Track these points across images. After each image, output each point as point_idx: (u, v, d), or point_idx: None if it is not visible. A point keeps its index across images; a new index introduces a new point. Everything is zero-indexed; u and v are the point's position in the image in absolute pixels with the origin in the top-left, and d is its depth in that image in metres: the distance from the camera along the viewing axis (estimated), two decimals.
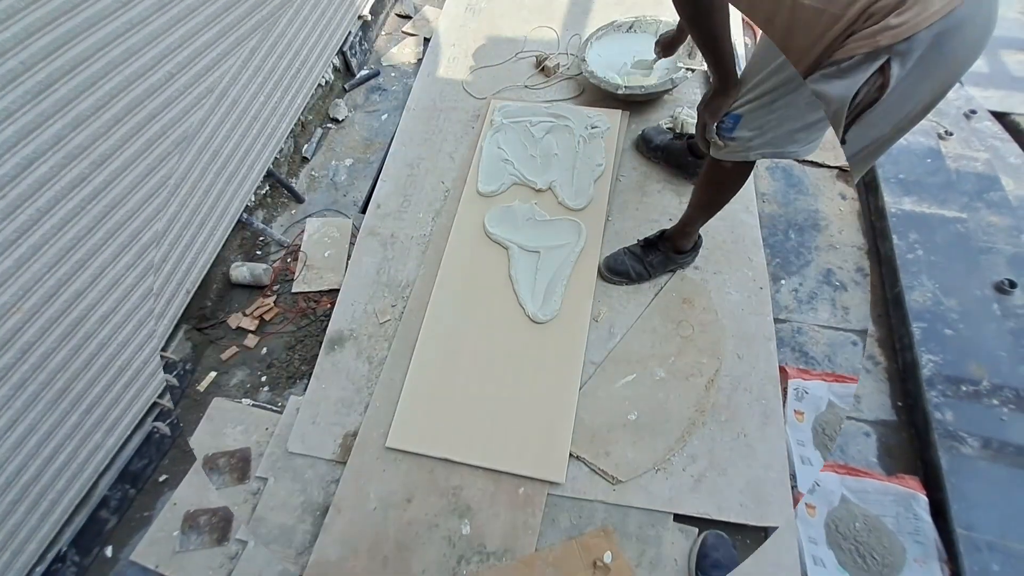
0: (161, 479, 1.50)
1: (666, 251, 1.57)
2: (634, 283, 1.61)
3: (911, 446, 1.43)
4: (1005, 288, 1.60)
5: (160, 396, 1.48)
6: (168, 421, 1.52)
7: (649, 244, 1.59)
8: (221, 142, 1.62)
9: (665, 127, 1.89)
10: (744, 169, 1.26)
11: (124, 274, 1.35)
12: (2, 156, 1.06)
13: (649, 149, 1.87)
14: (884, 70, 0.87)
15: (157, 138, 1.39)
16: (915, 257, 1.68)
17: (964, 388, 1.43)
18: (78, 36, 1.17)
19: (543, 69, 2.13)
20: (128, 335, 1.37)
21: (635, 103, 1.98)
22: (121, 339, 1.35)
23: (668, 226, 1.73)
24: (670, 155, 1.83)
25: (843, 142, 1.00)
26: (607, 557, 1.25)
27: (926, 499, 1.29)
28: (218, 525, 1.39)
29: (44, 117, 1.12)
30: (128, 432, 1.42)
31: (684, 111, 1.86)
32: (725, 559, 1.21)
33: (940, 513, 1.28)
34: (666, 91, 1.90)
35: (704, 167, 1.35)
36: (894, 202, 1.82)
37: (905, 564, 1.24)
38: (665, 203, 1.77)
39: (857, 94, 0.91)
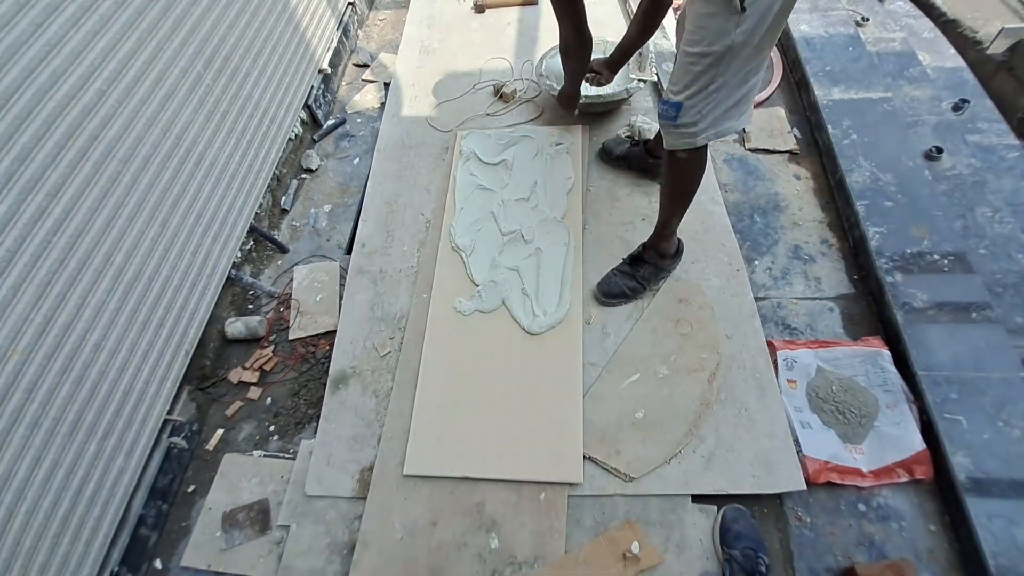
0: (190, 490, 1.57)
1: (653, 260, 1.62)
2: (632, 300, 1.65)
3: (870, 312, 1.62)
4: (933, 155, 1.81)
5: (169, 412, 1.54)
6: (183, 435, 1.58)
7: (635, 259, 1.63)
8: (204, 204, 1.67)
9: (624, 135, 2.01)
10: (699, 156, 1.33)
11: (118, 308, 1.39)
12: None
13: (612, 160, 1.97)
14: None
15: (141, 203, 1.44)
16: (850, 142, 1.87)
17: (909, 251, 1.61)
18: (55, 122, 1.22)
19: (501, 96, 2.24)
20: (125, 358, 1.40)
21: (593, 114, 2.09)
22: (119, 363, 1.38)
23: (642, 226, 1.82)
24: (632, 162, 1.93)
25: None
26: (635, 547, 1.28)
27: (889, 353, 1.47)
28: (258, 517, 1.46)
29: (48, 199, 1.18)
30: (147, 452, 1.47)
31: (639, 119, 1.98)
32: (746, 529, 1.25)
33: (902, 362, 1.46)
34: (622, 100, 2.02)
35: (663, 165, 1.42)
36: (824, 94, 2.02)
37: (879, 411, 1.40)
38: (636, 204, 1.87)
39: None
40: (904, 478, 1.29)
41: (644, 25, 1.68)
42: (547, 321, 1.62)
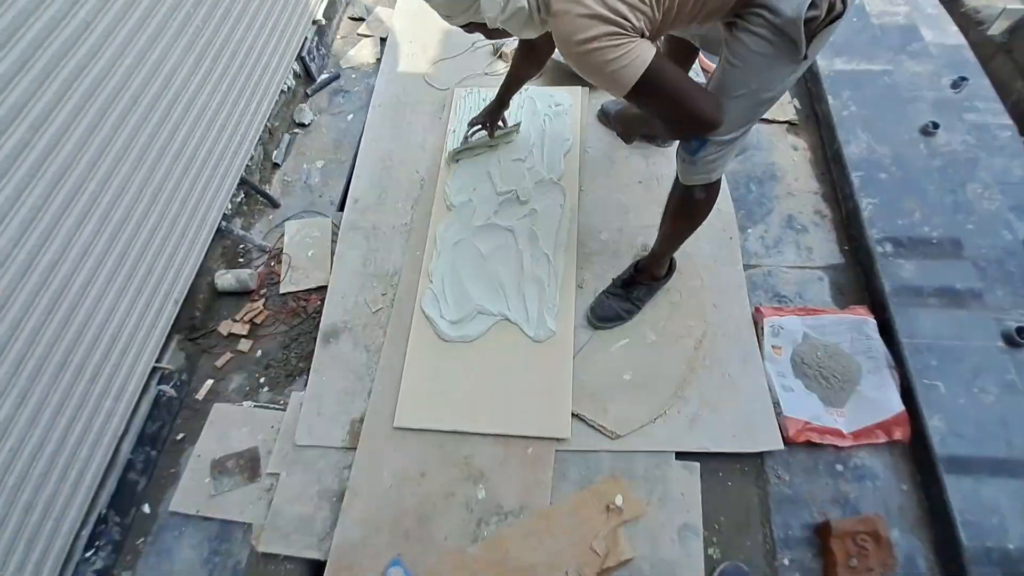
0: (179, 437, 1.58)
1: (646, 282, 1.56)
2: (626, 321, 1.57)
3: (858, 282, 1.64)
4: (929, 130, 1.82)
5: (158, 361, 1.54)
6: (172, 384, 1.59)
7: (627, 283, 1.56)
8: (193, 150, 1.63)
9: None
10: (714, 192, 1.25)
11: (105, 251, 1.37)
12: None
13: (611, 119, 1.93)
14: None
15: (129, 144, 1.40)
16: (849, 114, 1.88)
17: (900, 222, 1.63)
18: (37, 50, 1.17)
19: (501, 56, 2.20)
20: (112, 302, 1.39)
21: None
22: (107, 307, 1.37)
23: (638, 189, 1.81)
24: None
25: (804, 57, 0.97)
26: (618, 500, 1.32)
27: (874, 321, 1.49)
28: (247, 465, 1.48)
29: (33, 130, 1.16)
30: (135, 397, 1.47)
31: None
32: None
33: (886, 331, 1.48)
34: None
35: (672, 201, 1.32)
36: (827, 65, 2.01)
37: (861, 376, 1.43)
38: (633, 167, 1.86)
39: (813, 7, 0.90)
40: (882, 439, 1.34)
41: (528, 67, 1.59)
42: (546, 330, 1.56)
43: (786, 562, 1.26)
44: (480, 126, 1.81)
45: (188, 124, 1.60)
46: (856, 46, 2.05)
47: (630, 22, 0.87)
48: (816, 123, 1.99)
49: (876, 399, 1.39)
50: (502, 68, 2.18)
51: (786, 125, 1.99)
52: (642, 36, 0.91)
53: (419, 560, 1.31)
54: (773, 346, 1.50)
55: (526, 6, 0.93)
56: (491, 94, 2.01)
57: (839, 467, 1.35)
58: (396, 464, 1.43)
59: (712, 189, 1.24)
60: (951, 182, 1.75)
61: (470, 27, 1.06)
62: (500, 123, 1.83)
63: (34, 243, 1.17)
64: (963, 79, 2.04)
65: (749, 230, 1.75)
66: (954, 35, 2.27)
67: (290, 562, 1.37)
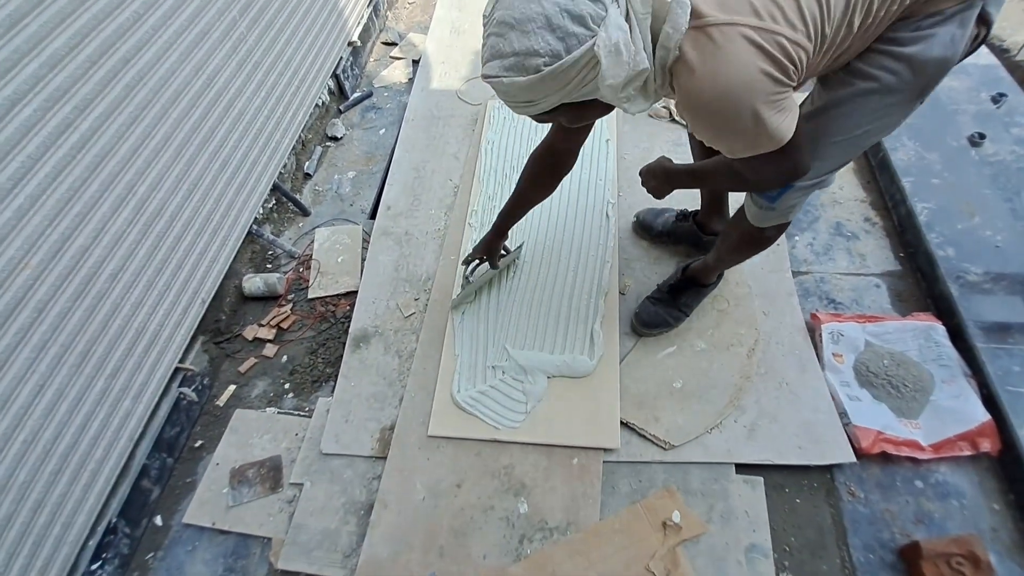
0: (197, 445, 1.48)
1: (694, 288, 1.46)
2: (672, 328, 1.47)
3: (918, 288, 1.56)
4: (976, 140, 1.78)
5: (181, 361, 1.46)
6: (194, 387, 1.50)
7: (675, 288, 1.45)
8: (230, 152, 1.62)
9: (660, 107, 1.97)
10: (783, 228, 1.16)
11: (137, 242, 1.32)
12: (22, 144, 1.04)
13: (652, 236, 1.66)
14: (984, 18, 0.81)
15: (168, 138, 1.38)
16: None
17: (960, 226, 1.56)
18: (89, 35, 1.17)
19: None
20: (140, 295, 1.32)
21: None
22: (134, 299, 1.31)
23: (676, 194, 1.76)
24: (680, 238, 1.63)
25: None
26: (675, 516, 1.20)
27: (943, 327, 1.40)
28: (269, 475, 1.37)
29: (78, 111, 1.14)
30: (156, 398, 1.39)
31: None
32: None
33: (957, 336, 1.39)
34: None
35: (736, 233, 1.22)
36: None
37: (935, 386, 1.32)
38: None
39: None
40: (967, 451, 1.21)
41: (546, 186, 1.35)
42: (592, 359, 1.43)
43: None
44: (478, 261, 1.49)
45: (227, 125, 1.60)
46: None
47: (796, 66, 0.76)
48: None
49: (955, 409, 1.27)
50: None
51: None
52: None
53: None
54: (834, 354, 1.40)
55: (648, 67, 0.75)
56: None
57: (919, 483, 1.23)
58: (429, 475, 1.32)
59: (785, 225, 1.14)
60: (1006, 190, 1.68)
61: (551, 115, 0.87)
62: (502, 250, 1.51)
63: (68, 225, 1.13)
64: (1002, 95, 2.02)
65: (796, 237, 1.68)
66: (986, 55, 2.27)
67: None
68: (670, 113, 1.99)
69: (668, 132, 1.97)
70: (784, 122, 0.78)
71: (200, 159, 1.50)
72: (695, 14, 0.74)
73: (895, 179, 1.68)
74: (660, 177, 1.21)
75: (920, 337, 1.39)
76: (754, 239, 1.20)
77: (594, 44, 0.71)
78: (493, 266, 1.50)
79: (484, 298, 1.58)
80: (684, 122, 1.89)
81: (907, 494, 1.21)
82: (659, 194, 1.24)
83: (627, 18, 0.74)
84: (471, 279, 1.51)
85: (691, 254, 1.62)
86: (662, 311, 1.47)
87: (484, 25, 0.78)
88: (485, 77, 0.79)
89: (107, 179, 1.22)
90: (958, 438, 1.22)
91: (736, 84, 0.74)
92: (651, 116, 2.01)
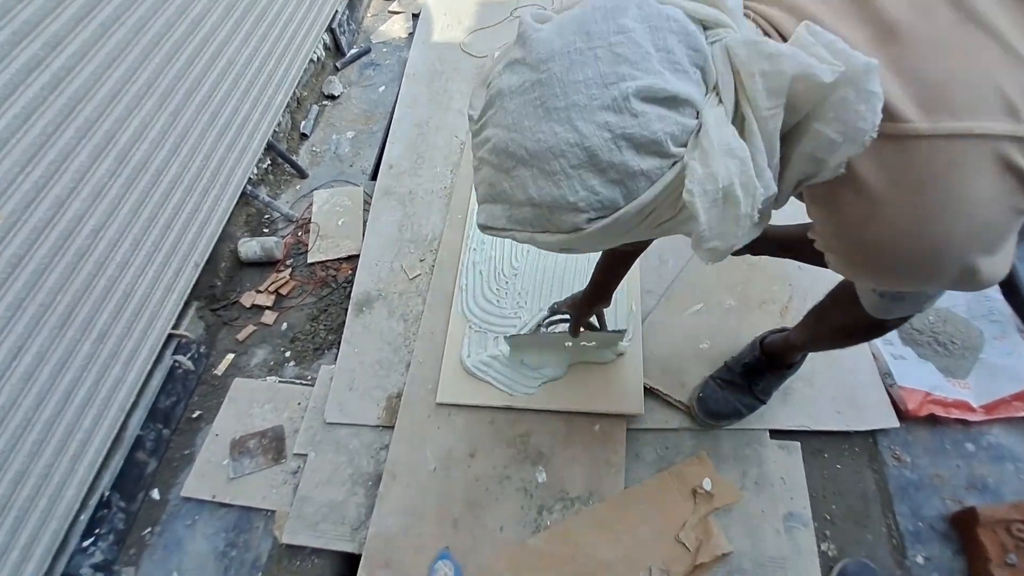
0: (195, 415, 1.40)
1: (775, 370, 1.15)
2: (744, 417, 1.18)
3: None
4: None
5: (175, 327, 1.37)
6: (190, 356, 1.41)
7: (751, 370, 1.15)
8: (219, 105, 1.50)
9: None
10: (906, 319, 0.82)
11: (120, 196, 1.21)
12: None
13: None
14: None
15: (151, 84, 1.27)
16: None
17: None
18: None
19: None
20: (126, 255, 1.23)
21: None
22: (120, 259, 1.21)
23: None
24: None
25: None
26: (706, 484, 1.11)
27: None
28: (271, 445, 1.30)
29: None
30: (148, 366, 1.30)
31: None
32: None
33: (1010, 290, 1.26)
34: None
35: (838, 318, 0.89)
36: None
37: (985, 343, 1.22)
38: None
39: None
40: (1023, 412, 1.12)
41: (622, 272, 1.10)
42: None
43: (920, 560, 1.04)
44: (562, 315, 1.22)
45: (215, 76, 1.48)
46: None
47: None
48: None
49: (1008, 367, 1.17)
50: None
51: None
52: None
53: (470, 553, 1.11)
54: None
55: (775, 192, 0.46)
56: None
57: (970, 446, 1.13)
58: (440, 444, 1.24)
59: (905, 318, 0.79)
60: None
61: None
62: (595, 321, 1.20)
63: (41, 173, 1.03)
64: None
65: None
66: None
67: (318, 555, 1.17)
68: None
69: None
70: (999, 263, 0.51)
71: (186, 111, 1.39)
72: (893, 114, 0.45)
73: None
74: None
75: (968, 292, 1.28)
76: (867, 329, 0.82)
77: (681, 184, 0.43)
78: (573, 332, 1.15)
79: (496, 256, 1.47)
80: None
81: (957, 458, 1.12)
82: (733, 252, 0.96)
83: (735, 121, 0.45)
84: (545, 330, 1.24)
85: None
86: (733, 398, 1.15)
87: (471, 132, 0.52)
88: (484, 228, 0.52)
89: (84, 125, 1.12)
90: (1013, 398, 1.13)
91: (963, 233, 0.47)
92: None
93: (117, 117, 1.19)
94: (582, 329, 1.17)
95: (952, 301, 1.29)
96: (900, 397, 1.16)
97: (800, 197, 0.59)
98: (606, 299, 1.14)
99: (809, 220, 0.60)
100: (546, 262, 1.44)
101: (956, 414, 1.13)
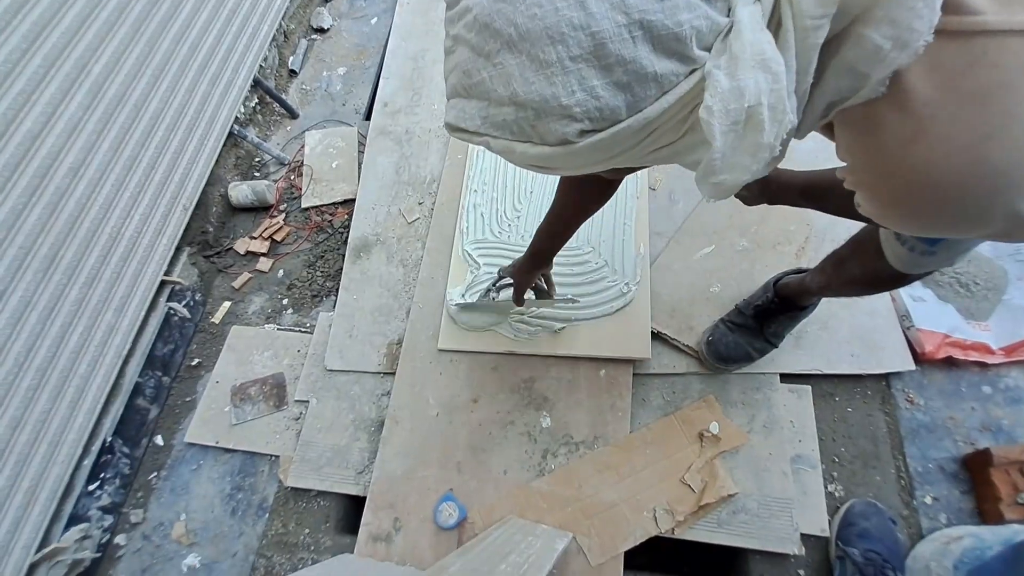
0: (194, 363, 1.40)
1: (788, 312, 1.08)
2: (755, 361, 1.13)
3: None
4: None
5: (167, 274, 1.34)
6: (185, 303, 1.39)
7: (763, 312, 1.09)
8: (199, 36, 1.39)
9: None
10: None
11: (99, 132, 1.14)
12: None
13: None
14: None
15: (123, 10, 1.17)
16: None
17: None
18: None
19: None
20: (109, 197, 1.18)
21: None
22: (102, 200, 1.16)
23: None
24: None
25: None
26: (713, 427, 1.09)
27: None
28: (272, 392, 1.30)
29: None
30: (142, 312, 1.28)
31: None
32: (878, 531, 0.96)
33: None
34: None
35: (857, 267, 0.83)
36: None
37: (1008, 283, 1.15)
38: None
39: None
40: None
41: (602, 195, 0.91)
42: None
43: (928, 500, 1.03)
44: (508, 280, 1.13)
45: (192, 2, 1.37)
46: None
47: None
48: None
49: None
50: None
51: None
52: None
53: (474, 496, 1.11)
54: None
55: (795, 122, 0.39)
56: None
57: (987, 388, 1.10)
58: (442, 390, 1.22)
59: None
60: None
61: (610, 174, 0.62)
62: (542, 285, 1.12)
63: (8, 105, 0.96)
64: None
65: None
66: None
67: (324, 498, 1.18)
68: None
69: None
70: None
71: (163, 40, 1.29)
72: (955, 5, 0.37)
73: None
74: (771, 191, 0.90)
75: None
76: (887, 280, 0.76)
77: (694, 101, 0.37)
78: (516, 301, 1.08)
79: (499, 195, 1.40)
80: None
81: (973, 400, 1.10)
82: (748, 202, 0.97)
83: (771, 24, 0.37)
84: (488, 298, 1.16)
85: None
86: (743, 341, 1.10)
87: (447, 6, 0.43)
88: (452, 129, 0.44)
89: (52, 53, 1.03)
90: None
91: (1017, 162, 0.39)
92: None
93: (88, 45, 1.10)
94: (530, 296, 1.11)
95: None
96: (918, 339, 1.12)
97: (826, 131, 0.51)
98: (547, 263, 1.07)
99: (832, 166, 0.52)
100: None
101: (975, 356, 1.10)
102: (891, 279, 0.75)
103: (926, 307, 1.16)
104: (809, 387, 1.13)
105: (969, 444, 1.05)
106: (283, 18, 1.79)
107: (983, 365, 1.11)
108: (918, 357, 1.12)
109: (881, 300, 1.21)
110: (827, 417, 1.12)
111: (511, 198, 1.38)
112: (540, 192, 1.39)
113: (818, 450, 1.07)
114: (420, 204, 1.47)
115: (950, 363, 1.12)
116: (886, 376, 1.14)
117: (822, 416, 1.11)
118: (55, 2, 1.02)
